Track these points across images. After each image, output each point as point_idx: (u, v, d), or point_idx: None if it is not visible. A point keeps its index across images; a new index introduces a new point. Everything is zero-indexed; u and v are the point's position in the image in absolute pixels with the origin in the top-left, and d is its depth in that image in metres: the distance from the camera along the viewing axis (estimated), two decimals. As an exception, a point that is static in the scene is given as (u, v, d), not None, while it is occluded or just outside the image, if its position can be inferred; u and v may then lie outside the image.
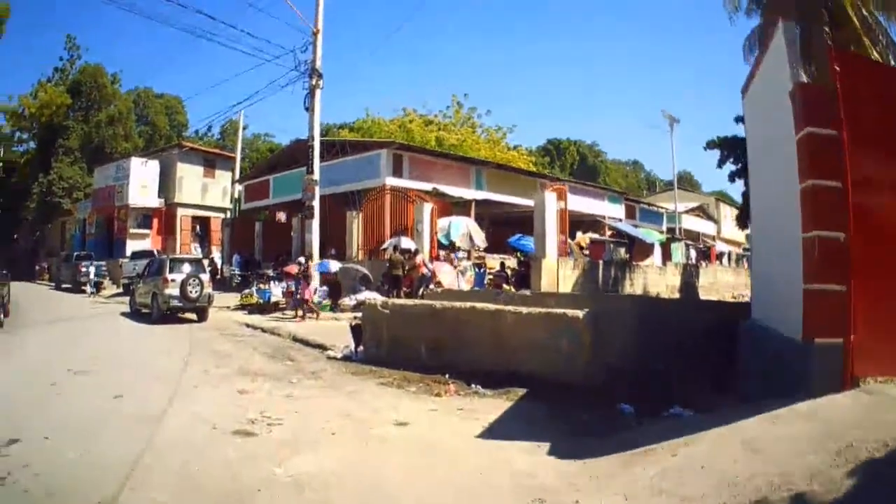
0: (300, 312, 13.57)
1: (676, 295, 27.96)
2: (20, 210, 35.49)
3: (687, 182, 59.42)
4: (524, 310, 6.88)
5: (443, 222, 16.92)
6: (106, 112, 34.76)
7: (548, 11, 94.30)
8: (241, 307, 16.10)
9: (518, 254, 18.69)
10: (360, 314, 12.95)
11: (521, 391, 6.05)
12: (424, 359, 7.37)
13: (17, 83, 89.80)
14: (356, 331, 8.55)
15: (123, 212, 28.90)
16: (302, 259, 15.50)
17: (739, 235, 57.18)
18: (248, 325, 12.63)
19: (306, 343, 10.02)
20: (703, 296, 30.50)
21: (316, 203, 16.47)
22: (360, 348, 8.35)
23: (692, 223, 40.95)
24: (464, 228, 16.95)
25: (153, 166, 29.41)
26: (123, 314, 15.04)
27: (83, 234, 32.83)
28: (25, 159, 37.90)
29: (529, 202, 23.84)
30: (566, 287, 16.26)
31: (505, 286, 14.64)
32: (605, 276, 19.92)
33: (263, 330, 11.79)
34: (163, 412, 5.42)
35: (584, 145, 61.78)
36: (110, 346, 9.96)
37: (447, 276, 13.85)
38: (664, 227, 35.69)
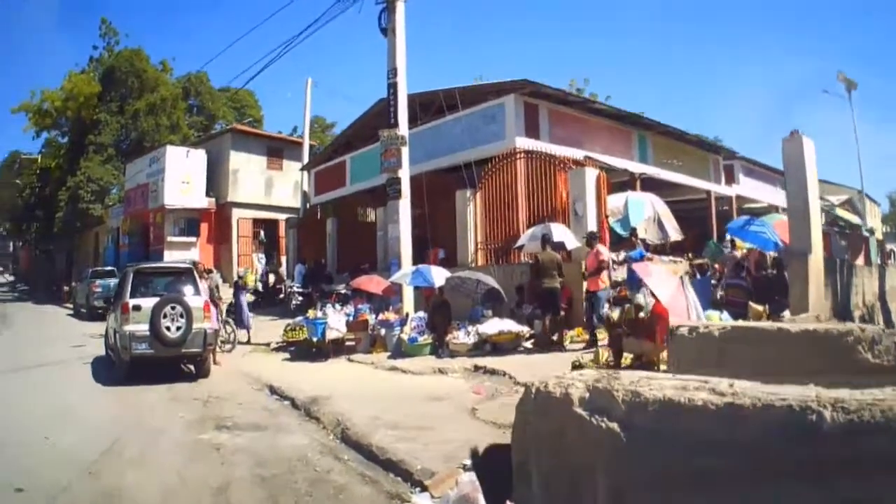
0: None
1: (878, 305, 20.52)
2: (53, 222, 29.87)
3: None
4: None
5: (615, 200, 10.68)
6: (145, 100, 28.30)
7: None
8: (286, 346, 10.45)
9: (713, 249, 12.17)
10: (483, 377, 6.80)
11: None
12: None
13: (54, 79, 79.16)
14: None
15: (159, 215, 22.70)
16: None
17: (877, 232, 47.69)
18: (272, 390, 7.17)
19: (370, 455, 4.47)
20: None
21: (404, 174, 10.88)
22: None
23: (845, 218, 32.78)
24: (649, 210, 10.60)
25: (198, 157, 23.03)
26: (99, 360, 9.46)
27: (116, 245, 26.74)
28: (56, 163, 32.25)
29: (705, 185, 17.43)
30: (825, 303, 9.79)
31: (752, 304, 8.41)
32: (841, 282, 13.18)
33: (295, 404, 6.33)
34: None
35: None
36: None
37: (666, 286, 7.24)
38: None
